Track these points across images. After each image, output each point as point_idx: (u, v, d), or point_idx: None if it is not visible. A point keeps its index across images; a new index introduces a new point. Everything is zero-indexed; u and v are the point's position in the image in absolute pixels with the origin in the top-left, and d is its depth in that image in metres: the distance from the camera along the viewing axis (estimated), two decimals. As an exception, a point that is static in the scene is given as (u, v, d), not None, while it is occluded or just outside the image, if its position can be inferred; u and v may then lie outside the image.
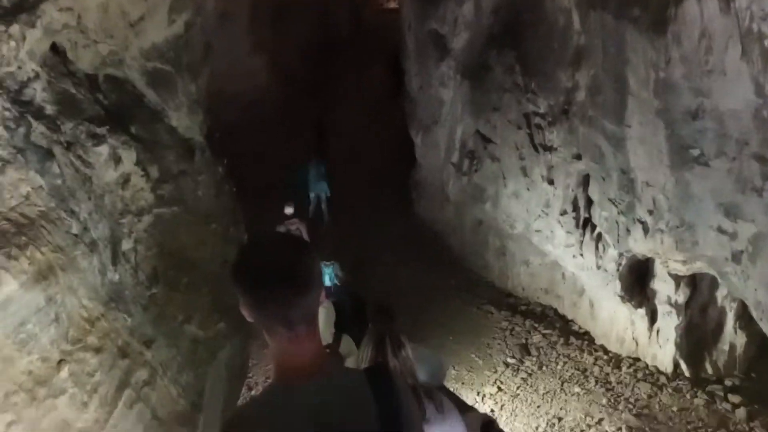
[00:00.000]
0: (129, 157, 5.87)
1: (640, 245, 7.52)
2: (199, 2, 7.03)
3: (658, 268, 8.66)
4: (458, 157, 11.61)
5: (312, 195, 13.99)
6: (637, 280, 9.03)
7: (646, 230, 7.11)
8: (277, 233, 7.67)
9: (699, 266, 7.48)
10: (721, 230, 6.27)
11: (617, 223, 7.65)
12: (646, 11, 5.67)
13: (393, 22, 24.76)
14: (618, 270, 8.62)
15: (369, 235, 13.08)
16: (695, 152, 5.71)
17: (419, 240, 13.14)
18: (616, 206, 7.48)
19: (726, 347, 9.04)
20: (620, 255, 8.56)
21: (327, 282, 9.51)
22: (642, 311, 9.15)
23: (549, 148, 8.79)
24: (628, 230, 7.47)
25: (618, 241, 7.86)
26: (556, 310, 10.91)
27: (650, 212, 6.85)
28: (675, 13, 5.17)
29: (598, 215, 8.34)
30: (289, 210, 11.45)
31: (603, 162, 7.49)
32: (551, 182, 8.97)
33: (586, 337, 10.32)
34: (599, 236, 8.84)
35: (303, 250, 1.68)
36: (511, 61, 9.35)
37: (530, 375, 9.56)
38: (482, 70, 10.17)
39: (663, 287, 8.81)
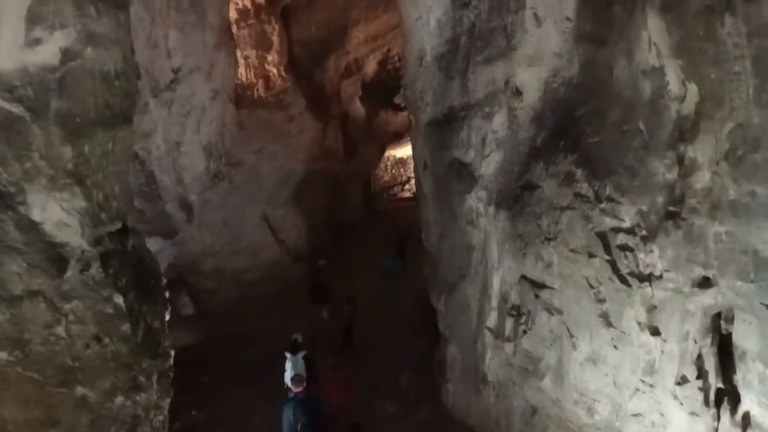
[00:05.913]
0: None
1: None
2: (91, 26, 4.37)
3: None
4: (496, 318, 8.20)
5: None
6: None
7: None
8: None
9: None
10: None
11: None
12: None
13: (405, 208, 23.45)
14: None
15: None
16: None
17: (450, 439, 9.27)
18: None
19: None
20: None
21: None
22: None
23: (647, 278, 5.46)
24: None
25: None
26: None
27: None
28: None
29: (752, 377, 4.74)
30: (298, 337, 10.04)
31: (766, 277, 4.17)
32: (656, 332, 5.49)
33: None
34: (746, 418, 5.13)
35: None
36: (568, 168, 6.43)
37: None
38: (525, 192, 7.24)
39: None
